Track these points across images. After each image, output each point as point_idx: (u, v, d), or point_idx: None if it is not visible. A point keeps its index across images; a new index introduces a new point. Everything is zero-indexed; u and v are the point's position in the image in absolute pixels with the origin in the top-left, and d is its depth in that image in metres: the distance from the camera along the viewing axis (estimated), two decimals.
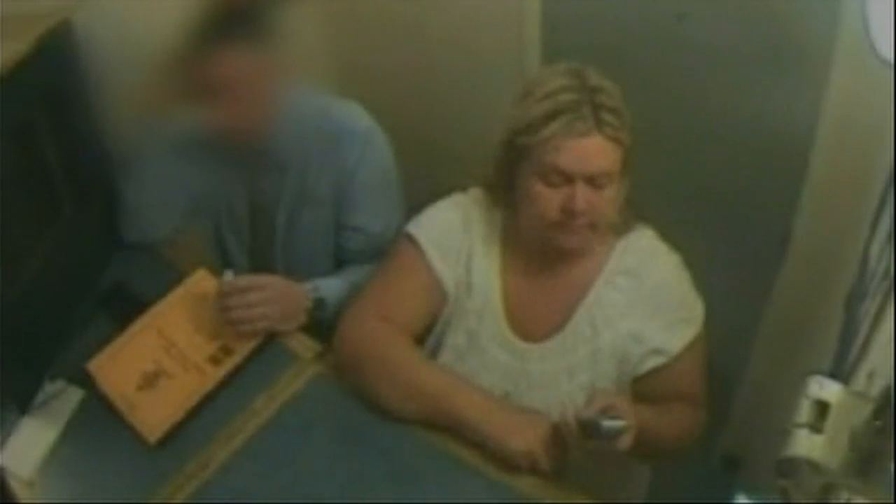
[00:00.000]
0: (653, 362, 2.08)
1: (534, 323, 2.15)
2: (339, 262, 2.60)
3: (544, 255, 2.11)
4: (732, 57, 2.69)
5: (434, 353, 2.23)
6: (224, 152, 2.42)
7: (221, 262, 2.75)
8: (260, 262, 2.68)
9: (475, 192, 2.23)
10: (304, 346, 2.33)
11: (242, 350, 2.29)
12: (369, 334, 2.14)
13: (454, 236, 2.20)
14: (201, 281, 2.42)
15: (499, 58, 3.16)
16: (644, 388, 2.11)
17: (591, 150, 1.91)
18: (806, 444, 1.28)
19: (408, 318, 2.19)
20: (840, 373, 1.65)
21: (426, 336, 2.25)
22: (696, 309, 2.11)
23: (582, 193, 1.93)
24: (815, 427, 1.29)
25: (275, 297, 2.29)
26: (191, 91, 2.22)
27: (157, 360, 2.27)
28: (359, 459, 2.03)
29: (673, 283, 2.11)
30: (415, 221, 2.25)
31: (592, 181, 1.93)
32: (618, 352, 2.09)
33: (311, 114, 2.45)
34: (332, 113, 2.49)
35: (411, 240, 2.21)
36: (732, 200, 2.83)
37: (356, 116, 2.49)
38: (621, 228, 2.12)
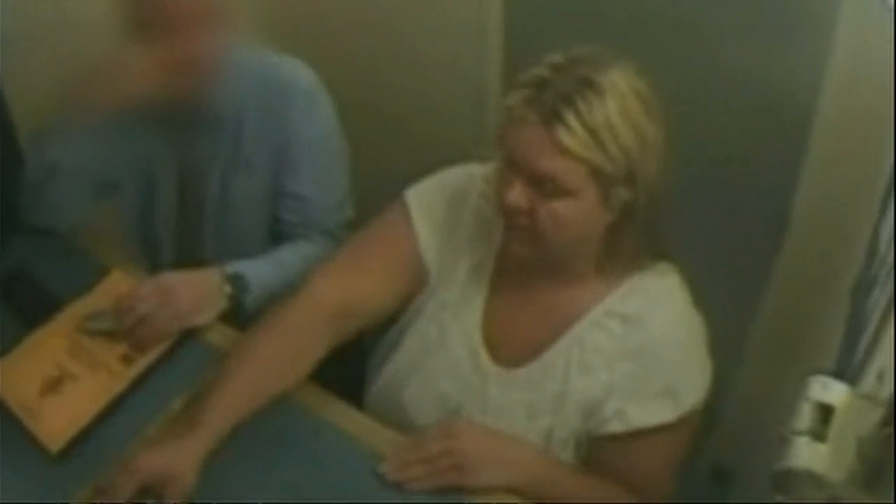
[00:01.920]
0: (611, 427, 2.03)
1: (508, 345, 2.14)
2: (276, 239, 2.61)
3: (536, 271, 2.09)
4: (730, 9, 2.67)
5: (400, 337, 2.26)
6: (156, 110, 2.42)
7: (144, 245, 2.77)
8: (188, 243, 2.70)
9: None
10: (228, 340, 2.31)
11: (158, 347, 2.28)
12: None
13: (453, 211, 2.21)
14: (117, 283, 2.43)
15: (459, 19, 3.16)
16: (595, 459, 2.10)
17: (532, 142, 1.86)
18: (807, 454, 1.28)
19: (370, 291, 2.19)
20: (845, 372, 1.64)
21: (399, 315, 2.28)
22: (689, 386, 2.03)
23: (521, 188, 1.90)
24: (818, 434, 1.30)
25: (172, 295, 2.29)
26: (138, 26, 2.23)
27: (62, 364, 2.26)
28: (292, 469, 2.03)
29: (673, 345, 2.04)
30: (417, 184, 2.26)
31: (537, 182, 1.88)
32: (586, 404, 2.06)
33: (253, 69, 2.49)
34: (275, 69, 2.53)
35: (403, 204, 2.23)
36: (723, 174, 2.82)
37: (301, 73, 2.53)
38: (631, 266, 2.06)
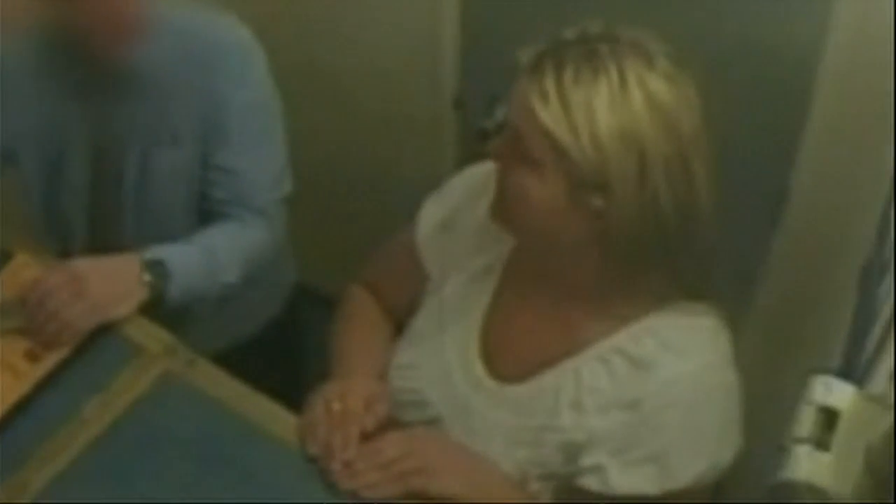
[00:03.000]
0: (585, 481, 1.98)
1: (505, 357, 2.12)
2: (204, 218, 2.60)
3: (543, 281, 2.07)
4: None
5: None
6: (67, 70, 2.41)
7: (52, 226, 2.74)
8: (103, 223, 2.67)
9: None
10: (149, 336, 2.30)
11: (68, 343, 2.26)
12: (350, 295, 2.44)
13: (464, 208, 2.22)
14: (21, 271, 2.41)
15: None
16: None
17: (516, 92, 1.86)
18: (808, 465, 1.28)
19: (387, 290, 2.39)
20: (852, 371, 1.63)
21: None
22: (688, 459, 1.93)
23: (504, 140, 1.90)
24: (820, 442, 1.29)
25: (86, 285, 2.25)
26: None
27: None
28: (220, 483, 2.01)
29: (680, 405, 1.94)
30: None
31: (514, 136, 1.87)
32: (566, 447, 2.01)
33: (178, 26, 2.45)
34: (204, 26, 2.50)
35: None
36: (713, 143, 2.82)
37: (233, 31, 2.51)
38: (649, 301, 1.99)
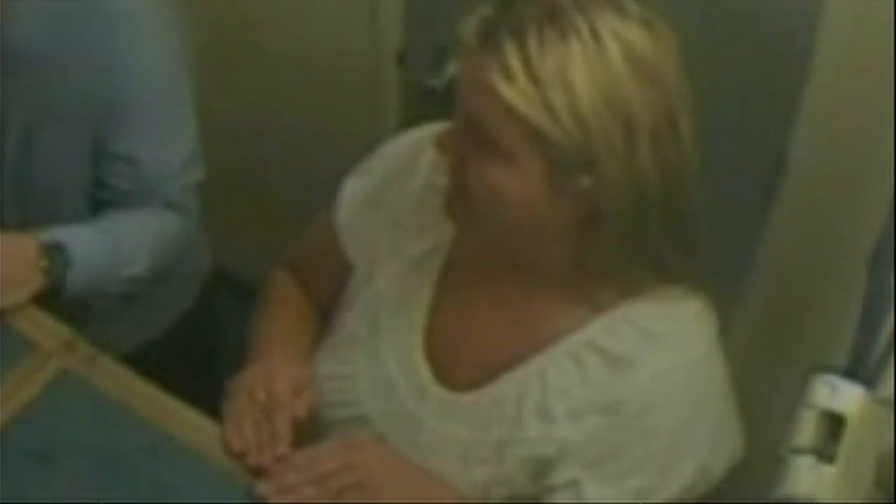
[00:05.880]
0: (559, 499, 1.98)
1: (456, 360, 2.12)
2: (99, 207, 2.58)
3: (499, 270, 2.05)
4: None
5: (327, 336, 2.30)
6: None
7: None
8: None
9: None
10: (42, 329, 2.28)
11: None
12: (274, 279, 2.46)
13: (392, 184, 2.20)
14: None
15: None
16: None
17: (467, 73, 1.84)
18: (810, 479, 1.29)
19: (310, 280, 2.42)
20: (861, 370, 1.65)
21: None
22: (676, 467, 1.94)
23: (457, 130, 1.87)
24: (824, 453, 1.30)
25: None
26: None
27: None
28: (125, 498, 2.01)
29: (666, 407, 1.94)
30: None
31: (472, 127, 1.83)
32: (533, 462, 2.01)
33: None
34: None
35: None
36: (703, 108, 2.83)
37: None
38: (628, 287, 1.97)
